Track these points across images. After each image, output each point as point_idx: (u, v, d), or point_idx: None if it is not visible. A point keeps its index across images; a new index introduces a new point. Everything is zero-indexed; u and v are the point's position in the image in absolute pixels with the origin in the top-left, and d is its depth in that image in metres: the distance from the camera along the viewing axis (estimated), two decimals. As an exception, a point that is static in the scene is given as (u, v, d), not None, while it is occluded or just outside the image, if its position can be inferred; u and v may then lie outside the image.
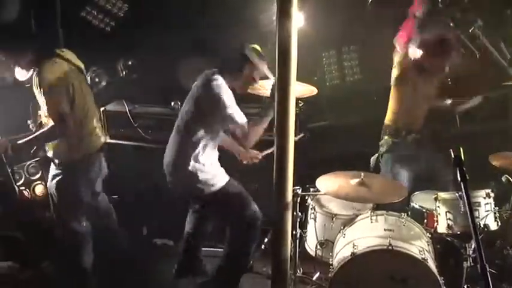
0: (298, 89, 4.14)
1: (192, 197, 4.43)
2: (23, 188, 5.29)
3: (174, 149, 4.31)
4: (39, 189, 5.34)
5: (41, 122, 4.45)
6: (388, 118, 4.94)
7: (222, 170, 4.34)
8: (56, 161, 4.42)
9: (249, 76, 4.24)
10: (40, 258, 4.83)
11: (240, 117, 4.12)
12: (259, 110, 4.26)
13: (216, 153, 4.35)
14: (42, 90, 4.16)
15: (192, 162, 4.18)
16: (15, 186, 5.08)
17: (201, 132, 4.17)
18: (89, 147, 4.42)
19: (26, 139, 4.32)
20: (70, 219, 4.44)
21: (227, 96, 4.08)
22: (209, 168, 4.22)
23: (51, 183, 4.47)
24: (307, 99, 4.93)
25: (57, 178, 4.42)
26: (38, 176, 5.43)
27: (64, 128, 4.20)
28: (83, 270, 4.48)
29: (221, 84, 4.11)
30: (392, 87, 4.87)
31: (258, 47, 4.27)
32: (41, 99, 4.24)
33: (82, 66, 4.54)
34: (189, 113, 4.23)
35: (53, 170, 4.47)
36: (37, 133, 4.33)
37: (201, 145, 4.19)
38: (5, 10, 5.27)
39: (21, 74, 4.90)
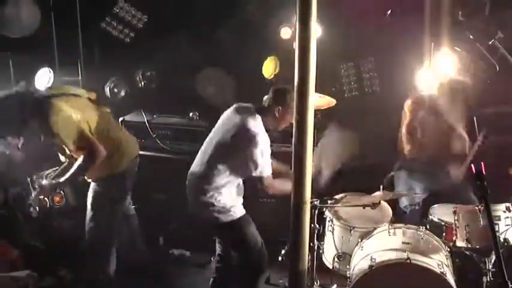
0: (317, 100, 4.12)
1: (207, 223, 4.39)
2: (42, 197, 5.33)
3: (196, 174, 4.23)
4: (57, 198, 5.37)
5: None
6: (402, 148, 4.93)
7: (240, 202, 4.28)
8: (90, 180, 4.48)
9: (284, 118, 4.17)
10: (59, 267, 4.85)
11: (266, 170, 4.06)
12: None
13: (237, 185, 4.26)
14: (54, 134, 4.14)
15: (211, 193, 4.12)
16: (34, 194, 5.13)
17: (227, 171, 4.11)
18: (122, 163, 4.44)
19: (65, 177, 4.36)
20: (104, 230, 4.47)
21: (264, 144, 4.04)
22: (226, 200, 4.16)
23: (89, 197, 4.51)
24: (325, 110, 4.95)
25: (94, 192, 4.46)
26: (56, 185, 5.47)
27: (93, 157, 4.20)
28: (106, 278, 4.49)
29: (260, 129, 4.05)
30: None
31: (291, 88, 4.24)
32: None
33: (92, 96, 4.55)
34: (221, 146, 4.13)
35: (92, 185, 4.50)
36: (71, 171, 4.31)
37: (224, 181, 4.13)
38: (27, 23, 5.35)
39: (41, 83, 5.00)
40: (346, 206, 4.31)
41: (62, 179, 4.37)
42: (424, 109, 4.83)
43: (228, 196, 4.16)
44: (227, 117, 4.24)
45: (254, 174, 4.05)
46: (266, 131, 4.12)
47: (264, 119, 4.12)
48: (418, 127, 4.84)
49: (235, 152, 4.06)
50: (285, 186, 4.03)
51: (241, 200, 4.29)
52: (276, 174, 4.20)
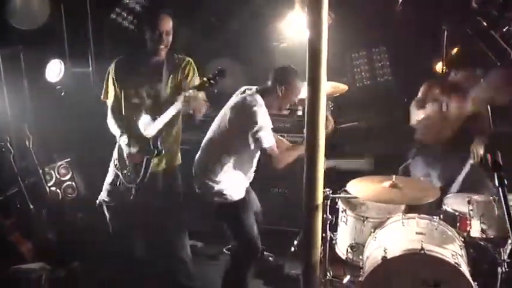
0: (328, 88, 4.10)
1: (210, 205, 4.40)
2: (54, 188, 5.36)
3: (201, 159, 4.30)
4: (69, 190, 5.39)
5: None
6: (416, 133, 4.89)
7: (241, 186, 4.28)
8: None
9: (287, 97, 4.19)
10: (71, 259, 4.86)
11: (268, 142, 4.06)
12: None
13: (240, 167, 4.26)
14: None
15: (214, 175, 4.16)
16: (46, 186, 5.16)
17: (229, 153, 4.14)
18: None
19: None
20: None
21: (263, 118, 4.05)
22: (226, 184, 4.18)
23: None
24: (336, 98, 4.91)
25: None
26: (68, 176, 5.50)
27: None
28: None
29: (259, 105, 4.07)
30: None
31: (294, 68, 4.22)
32: None
33: None
34: (223, 129, 4.19)
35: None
36: None
37: (225, 165, 4.16)
38: (36, 14, 5.34)
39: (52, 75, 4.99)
40: (357, 197, 4.27)
41: None
42: (440, 88, 4.75)
43: (228, 178, 4.18)
44: (232, 99, 4.30)
45: (257, 146, 4.07)
46: (270, 110, 4.14)
47: (267, 98, 4.13)
48: (431, 104, 4.76)
49: (237, 128, 4.09)
50: (291, 154, 4.15)
51: (244, 184, 4.29)
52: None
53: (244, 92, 4.25)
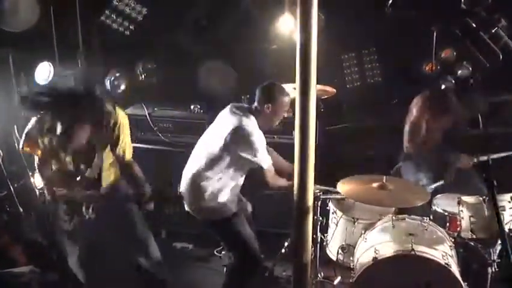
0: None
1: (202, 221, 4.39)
2: (43, 191, 5.32)
3: (190, 173, 4.26)
4: (59, 193, 5.35)
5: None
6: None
7: (232, 201, 4.26)
8: None
9: (276, 114, 4.19)
10: (61, 262, 4.83)
11: (265, 163, 4.09)
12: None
13: (230, 185, 4.25)
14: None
15: (202, 194, 4.16)
16: (36, 189, 5.12)
17: (221, 170, 4.14)
18: None
19: None
20: None
21: (258, 141, 4.06)
22: (216, 201, 4.17)
23: None
24: (327, 99, 4.92)
25: None
26: (58, 179, 5.46)
27: None
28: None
29: (253, 127, 4.08)
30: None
31: (277, 84, 4.23)
32: None
33: None
34: (216, 146, 4.14)
35: None
36: None
37: (217, 183, 4.15)
38: (25, 16, 5.31)
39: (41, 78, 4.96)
40: (349, 198, 4.28)
41: None
42: (433, 107, 4.78)
43: (221, 198, 4.17)
44: (223, 117, 4.26)
45: (247, 168, 4.12)
46: (262, 128, 4.15)
47: (258, 118, 4.15)
48: (424, 125, 4.79)
49: (231, 151, 4.08)
50: (286, 184, 4.14)
51: (234, 197, 4.29)
52: (278, 171, 4.24)
53: (234, 112, 4.19)
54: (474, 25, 4.80)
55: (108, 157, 4.14)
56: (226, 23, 5.87)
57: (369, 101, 5.88)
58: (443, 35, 5.30)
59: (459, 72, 5.24)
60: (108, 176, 4.20)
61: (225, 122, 4.21)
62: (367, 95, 5.95)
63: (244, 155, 4.05)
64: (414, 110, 4.84)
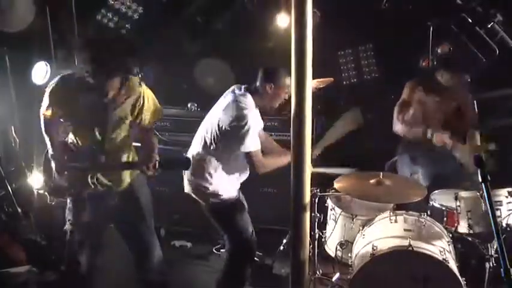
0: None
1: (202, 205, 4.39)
2: (42, 191, 5.32)
3: (191, 154, 4.27)
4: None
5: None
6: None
7: (233, 186, 4.27)
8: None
9: (276, 95, 4.17)
10: (59, 262, 4.84)
11: (252, 146, 4.07)
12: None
13: (230, 167, 4.25)
14: None
15: (205, 175, 4.16)
16: (34, 189, 5.12)
17: (219, 150, 4.14)
18: None
19: None
20: None
21: (252, 121, 4.04)
22: (218, 183, 4.18)
23: None
24: (323, 96, 4.91)
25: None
26: (55, 179, 5.45)
27: None
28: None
29: (250, 106, 4.08)
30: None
31: (283, 68, 4.22)
32: None
33: None
34: (212, 125, 4.17)
35: None
36: None
37: (215, 163, 4.16)
38: (22, 16, 5.31)
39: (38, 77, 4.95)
40: (345, 195, 4.29)
41: None
42: (424, 88, 4.77)
43: (220, 179, 4.17)
44: (221, 100, 4.28)
45: (242, 149, 4.06)
46: (260, 109, 4.16)
47: (256, 97, 4.13)
48: (416, 106, 4.78)
49: (225, 129, 4.07)
50: (275, 162, 4.14)
51: (235, 185, 4.29)
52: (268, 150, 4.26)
53: (233, 91, 4.22)
54: (470, 20, 4.79)
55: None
56: (222, 21, 5.87)
57: (366, 97, 5.87)
58: (440, 31, 5.29)
59: (439, 50, 5.23)
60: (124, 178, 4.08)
61: (223, 100, 4.23)
62: (364, 91, 5.94)
63: (233, 132, 4.04)
64: (404, 92, 4.84)
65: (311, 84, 3.26)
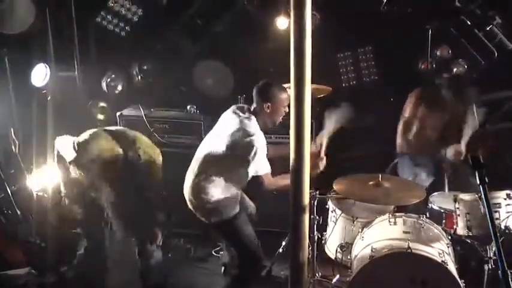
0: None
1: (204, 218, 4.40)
2: (41, 193, 5.32)
3: (193, 174, 4.26)
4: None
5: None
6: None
7: (234, 201, 4.26)
8: None
9: (276, 111, 4.17)
10: (59, 264, 4.84)
11: (262, 169, 4.08)
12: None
13: (234, 187, 4.23)
14: None
15: (205, 195, 4.16)
16: (33, 191, 5.12)
17: (223, 172, 4.14)
18: None
19: None
20: None
21: (259, 144, 4.04)
22: (219, 201, 4.17)
23: None
24: (322, 100, 4.91)
25: None
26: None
27: None
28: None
29: (254, 128, 4.08)
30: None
31: (271, 82, 4.23)
32: None
33: None
34: (218, 148, 4.15)
35: None
36: None
37: (220, 184, 4.15)
38: (22, 18, 5.31)
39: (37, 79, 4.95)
40: (345, 198, 4.29)
41: None
42: (427, 104, 4.78)
43: (220, 196, 4.16)
44: (225, 119, 4.26)
45: (252, 174, 4.08)
46: (264, 127, 4.16)
47: (259, 118, 4.14)
48: (418, 122, 4.80)
49: (232, 152, 4.07)
50: (286, 180, 4.07)
51: (237, 197, 4.29)
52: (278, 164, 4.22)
53: (236, 113, 4.19)
54: (469, 23, 4.81)
55: None
56: (222, 23, 5.87)
57: (365, 99, 5.87)
58: (439, 33, 5.30)
59: (454, 69, 5.24)
60: None
61: (227, 123, 4.21)
62: (363, 94, 5.95)
63: (242, 158, 4.04)
64: (407, 108, 4.85)
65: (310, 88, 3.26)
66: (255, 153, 4.01)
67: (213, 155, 4.16)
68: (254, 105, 4.20)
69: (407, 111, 4.84)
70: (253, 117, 4.13)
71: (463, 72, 5.12)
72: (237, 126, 4.10)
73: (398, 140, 4.84)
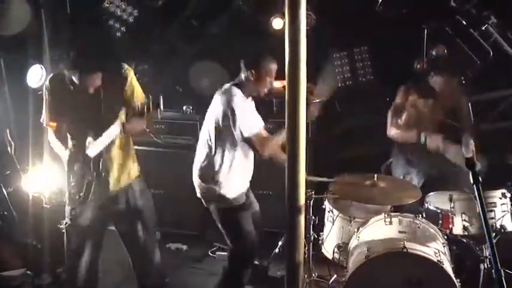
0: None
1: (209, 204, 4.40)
2: (37, 194, 5.31)
3: (198, 160, 4.32)
4: (53, 196, 5.34)
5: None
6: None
7: (241, 190, 4.30)
8: None
9: (260, 79, 4.18)
10: (55, 265, 4.83)
11: (247, 131, 4.08)
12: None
13: (239, 172, 4.28)
14: None
15: (212, 179, 4.20)
16: (30, 193, 5.10)
17: (220, 148, 4.18)
18: None
19: None
20: None
21: (240, 109, 4.07)
22: (227, 187, 4.21)
23: None
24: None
25: None
26: (51, 182, 5.45)
27: None
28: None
29: (236, 97, 4.10)
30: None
31: (261, 49, 4.25)
32: None
33: None
34: (210, 127, 4.22)
35: None
36: None
37: (221, 166, 4.19)
38: (17, 19, 5.30)
39: (33, 80, 4.94)
40: (341, 198, 4.29)
41: None
42: (417, 91, 4.78)
43: (227, 181, 4.20)
44: (214, 99, 4.30)
45: (239, 136, 4.08)
46: (250, 96, 4.23)
47: (243, 87, 4.18)
48: (409, 110, 4.79)
49: (221, 123, 4.12)
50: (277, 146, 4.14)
51: (244, 187, 4.32)
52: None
53: (221, 90, 4.26)
54: (464, 23, 4.81)
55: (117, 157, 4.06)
56: (218, 23, 5.87)
57: (361, 99, 5.88)
58: (435, 33, 5.30)
59: (433, 52, 5.24)
60: (117, 178, 4.07)
61: (214, 101, 4.27)
62: (359, 94, 5.95)
63: (227, 121, 4.07)
64: (397, 96, 4.86)
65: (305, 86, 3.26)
66: (238, 114, 4.03)
67: (209, 135, 4.21)
68: (241, 76, 4.22)
69: (397, 99, 4.85)
70: (234, 87, 4.16)
71: (442, 53, 5.11)
72: (219, 97, 4.17)
73: (391, 130, 4.82)
